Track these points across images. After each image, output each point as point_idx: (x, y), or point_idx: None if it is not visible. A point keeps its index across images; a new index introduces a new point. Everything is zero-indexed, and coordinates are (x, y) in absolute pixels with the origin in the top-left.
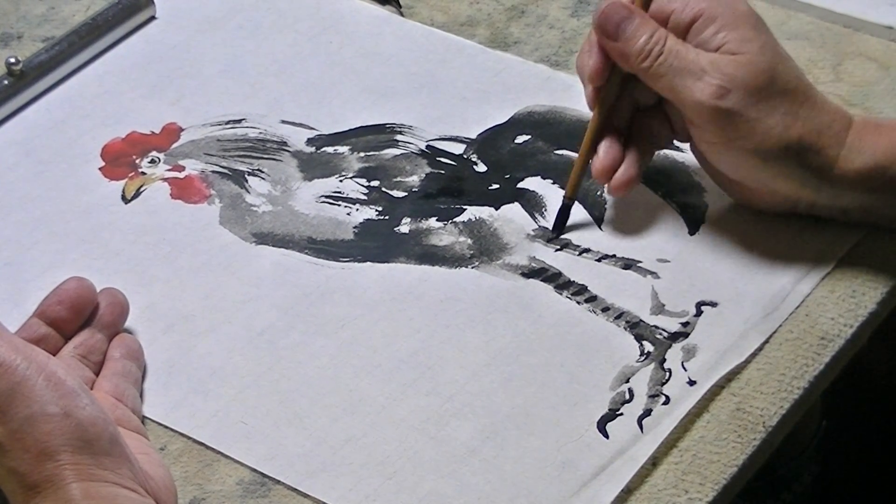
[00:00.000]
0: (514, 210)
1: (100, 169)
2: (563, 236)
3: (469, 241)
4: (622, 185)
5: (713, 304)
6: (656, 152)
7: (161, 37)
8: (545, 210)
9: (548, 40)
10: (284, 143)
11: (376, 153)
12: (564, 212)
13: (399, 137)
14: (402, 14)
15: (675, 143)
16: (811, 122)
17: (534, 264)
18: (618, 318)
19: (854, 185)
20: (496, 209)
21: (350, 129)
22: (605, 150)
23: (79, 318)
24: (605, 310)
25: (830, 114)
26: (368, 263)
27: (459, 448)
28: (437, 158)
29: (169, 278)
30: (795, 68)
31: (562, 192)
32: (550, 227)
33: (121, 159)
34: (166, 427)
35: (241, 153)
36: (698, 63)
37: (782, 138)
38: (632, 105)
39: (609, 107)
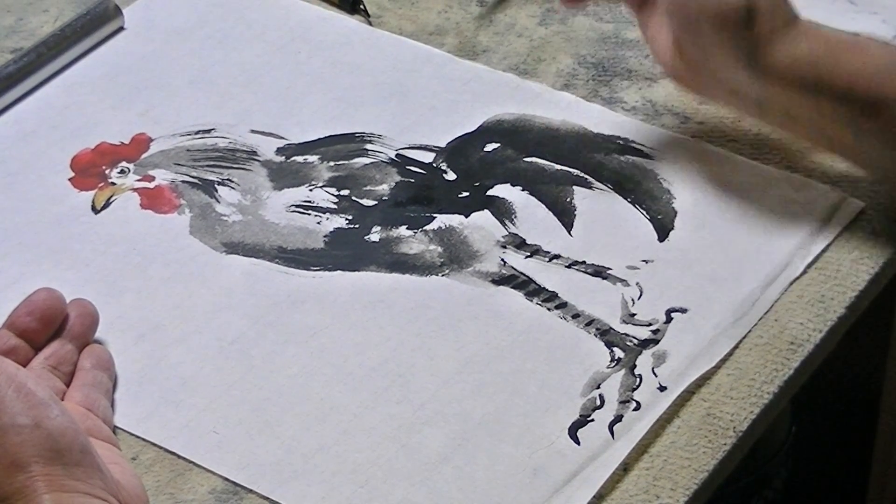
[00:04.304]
0: (483, 217)
1: (69, 179)
2: (533, 242)
3: (439, 248)
4: None
5: (683, 311)
6: (620, 158)
7: (130, 48)
8: (515, 217)
9: (516, 49)
10: (254, 153)
11: (346, 162)
12: None
13: (369, 146)
14: (370, 23)
15: (645, 149)
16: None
17: (504, 271)
18: (588, 324)
19: (781, 76)
20: (466, 217)
21: (319, 139)
22: None
23: (48, 328)
24: (576, 316)
25: (783, 3)
26: (339, 272)
27: (431, 456)
28: (407, 167)
29: (139, 288)
30: None
31: (532, 200)
32: None
33: (90, 170)
34: (138, 437)
35: (211, 163)
36: None
37: (738, 3)
38: None
39: None
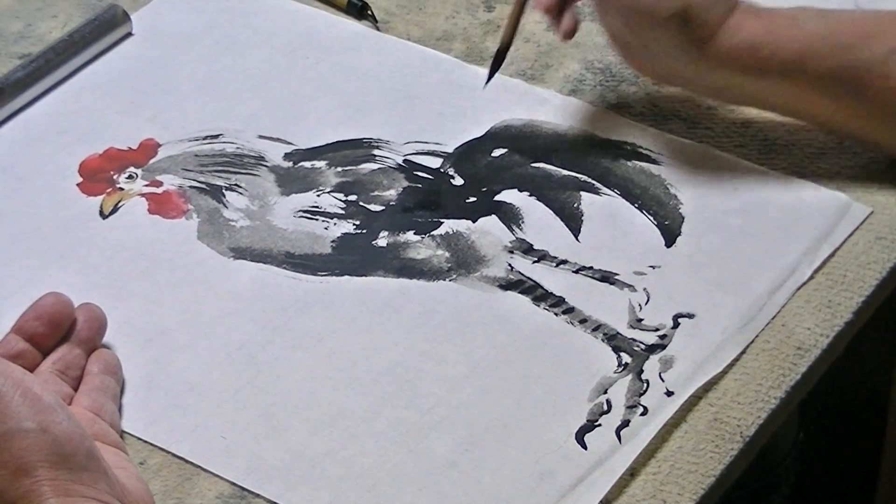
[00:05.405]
0: (491, 223)
1: (77, 185)
2: (540, 248)
3: (447, 254)
4: (572, 28)
5: (690, 316)
6: (627, 163)
7: (138, 53)
8: (522, 222)
9: (524, 54)
10: (262, 158)
11: (353, 168)
12: (499, 58)
13: (376, 152)
14: (378, 29)
15: (652, 155)
16: None
17: (511, 276)
18: (595, 329)
19: (725, 63)
20: (473, 222)
21: (327, 144)
22: None
23: (56, 333)
24: (583, 321)
25: None
26: (346, 277)
27: (438, 460)
28: (415, 172)
29: (147, 293)
30: None
31: (539, 205)
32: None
33: (98, 175)
34: (145, 441)
35: (219, 168)
36: None
37: (671, 4)
38: None
39: None
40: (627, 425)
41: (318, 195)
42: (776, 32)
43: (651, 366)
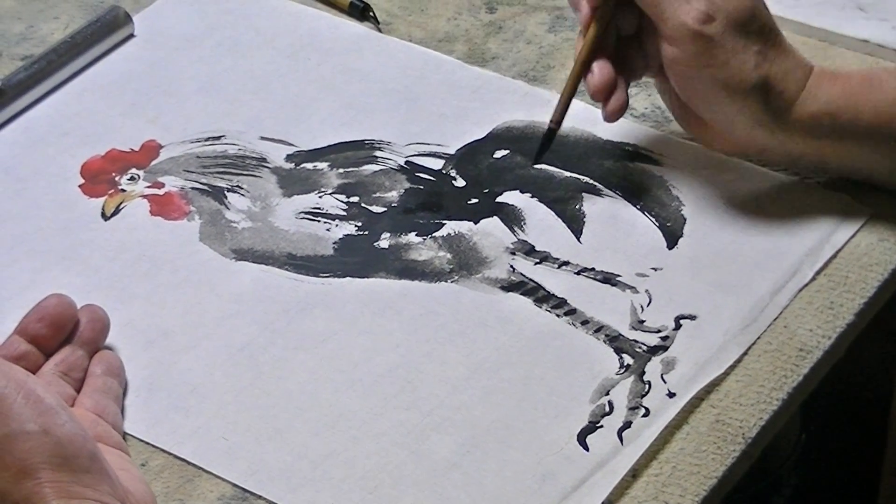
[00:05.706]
0: (493, 224)
1: (79, 186)
2: (542, 249)
3: (448, 255)
4: (618, 109)
5: (692, 318)
6: (628, 165)
7: (140, 54)
8: (524, 224)
9: (525, 56)
10: (264, 160)
11: (355, 169)
12: (549, 138)
13: (378, 153)
14: (380, 30)
15: (654, 156)
16: (778, 64)
17: (513, 278)
18: (597, 331)
19: (806, 131)
20: (475, 223)
21: (329, 146)
22: (601, 70)
23: (59, 334)
24: (585, 323)
25: (795, 59)
26: (348, 279)
27: (440, 462)
28: (416, 174)
29: (149, 295)
30: (769, 12)
31: (541, 206)
32: (533, 158)
33: (100, 177)
34: (147, 443)
35: (221, 170)
36: None
37: (751, 75)
38: (615, 33)
39: (605, 25)
40: (629, 427)
41: (320, 196)
42: (855, 96)
43: (653, 367)
